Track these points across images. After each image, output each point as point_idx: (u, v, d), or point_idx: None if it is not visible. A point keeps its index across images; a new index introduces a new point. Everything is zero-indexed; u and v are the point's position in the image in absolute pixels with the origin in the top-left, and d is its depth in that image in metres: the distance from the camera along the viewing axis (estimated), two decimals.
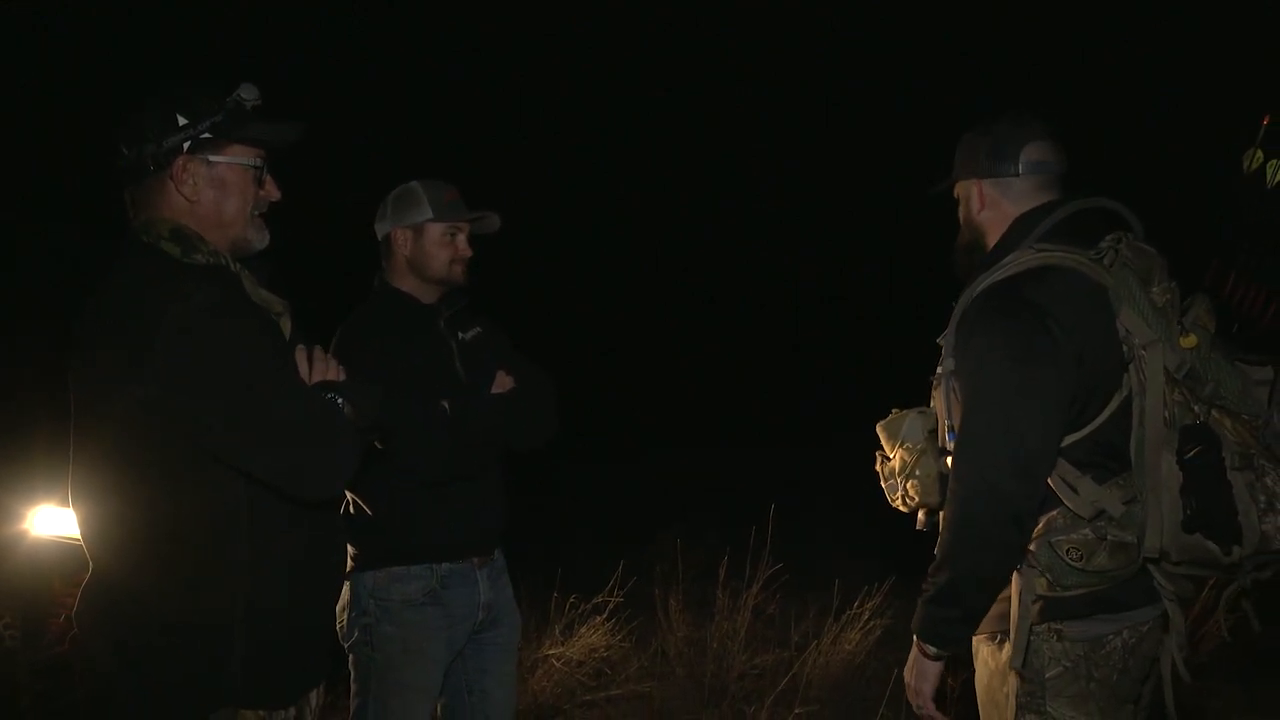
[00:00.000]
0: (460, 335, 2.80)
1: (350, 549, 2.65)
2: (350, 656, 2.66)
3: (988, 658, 2.09)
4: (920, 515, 2.20)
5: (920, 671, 2.05)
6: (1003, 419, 1.90)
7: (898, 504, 2.20)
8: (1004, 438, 1.90)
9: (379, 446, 2.50)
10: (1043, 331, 1.91)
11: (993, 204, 2.12)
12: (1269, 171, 2.14)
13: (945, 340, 2.08)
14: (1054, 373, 1.90)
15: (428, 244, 2.71)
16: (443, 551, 2.66)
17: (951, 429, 2.05)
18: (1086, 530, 1.93)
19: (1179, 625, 2.03)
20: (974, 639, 2.14)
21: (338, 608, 2.65)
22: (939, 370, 2.09)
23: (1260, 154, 2.16)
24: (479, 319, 2.89)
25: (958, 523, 1.94)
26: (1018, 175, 2.10)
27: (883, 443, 2.21)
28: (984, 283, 2.02)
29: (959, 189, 2.20)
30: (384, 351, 2.59)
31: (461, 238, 2.74)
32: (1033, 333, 1.91)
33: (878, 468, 2.25)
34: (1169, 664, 2.05)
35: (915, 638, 2.04)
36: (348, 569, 2.66)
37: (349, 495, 2.66)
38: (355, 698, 2.65)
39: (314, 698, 1.97)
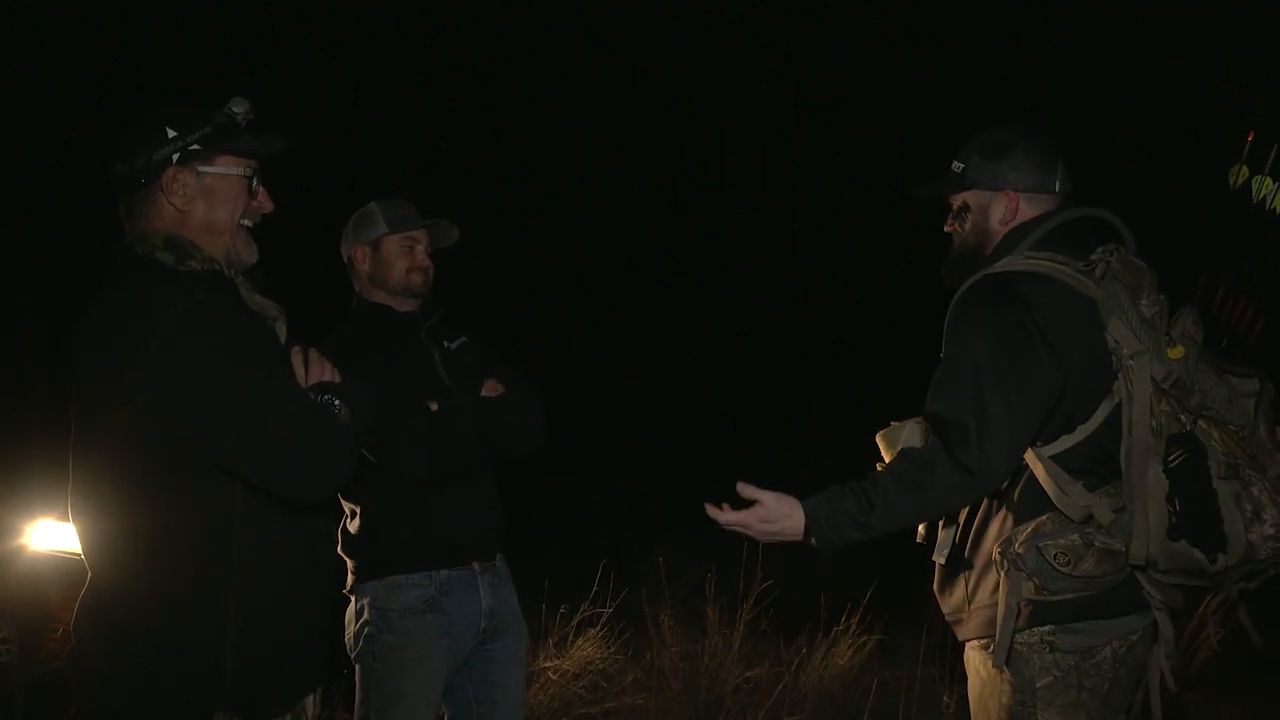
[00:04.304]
0: (445, 345, 2.85)
1: (350, 562, 2.69)
2: (356, 667, 2.69)
3: (979, 666, 2.10)
4: (920, 526, 2.21)
5: (784, 534, 2.03)
6: (974, 391, 1.95)
7: None
8: (975, 409, 1.94)
9: (371, 459, 2.52)
10: (1023, 317, 1.97)
11: (1019, 219, 2.15)
12: (1254, 187, 2.14)
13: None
14: (1031, 357, 1.96)
15: (385, 255, 2.79)
16: (441, 557, 2.67)
17: None
18: (1074, 536, 1.96)
19: (1168, 635, 2.05)
20: (967, 646, 2.15)
21: (345, 620, 2.69)
22: None
23: (1246, 170, 2.16)
24: (464, 331, 2.94)
25: (908, 477, 1.98)
26: (1054, 194, 2.16)
27: (883, 453, 2.22)
28: (971, 280, 2.08)
29: (972, 197, 2.20)
30: (367, 358, 2.62)
31: (420, 248, 2.82)
32: (1013, 317, 1.97)
33: None
34: (1157, 674, 2.08)
35: (809, 534, 2.02)
36: (349, 582, 2.69)
37: (345, 507, 2.68)
38: (359, 707, 2.67)
39: (310, 705, 1.98)
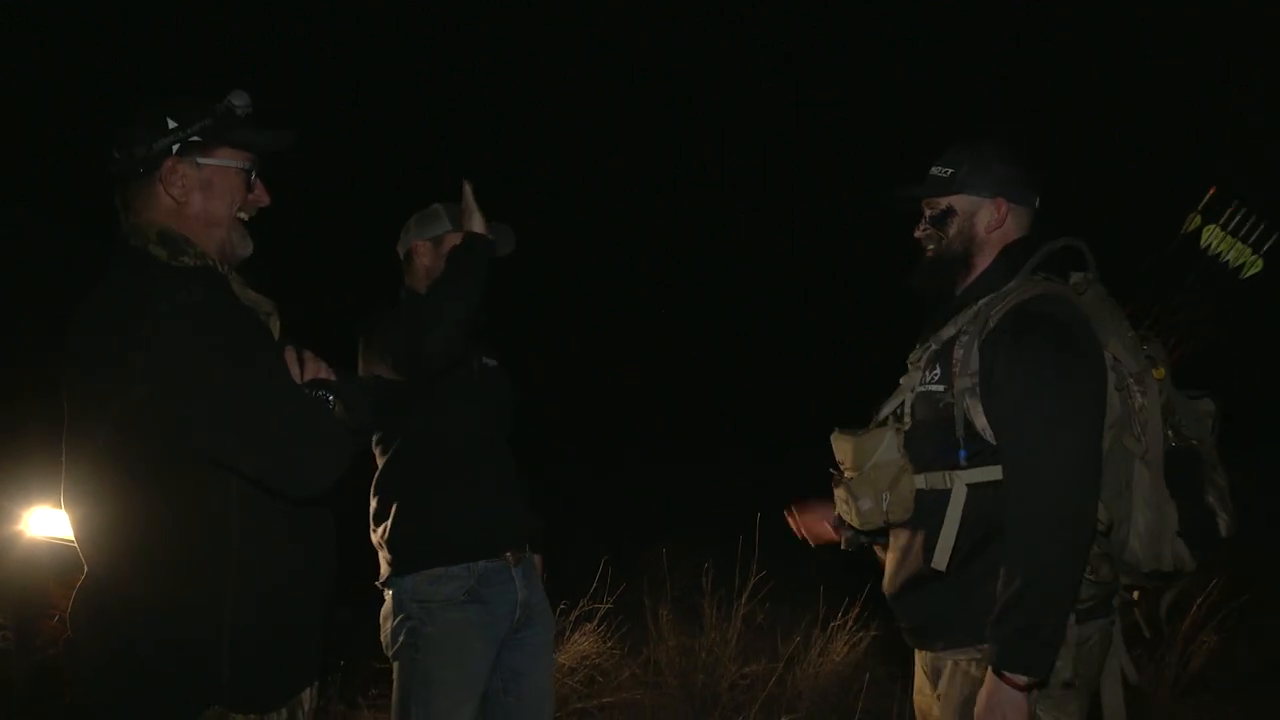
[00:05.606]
0: (484, 360, 2.91)
1: (386, 555, 2.72)
2: (395, 663, 2.70)
3: (970, 669, 2.08)
4: (846, 536, 2.25)
5: (1015, 707, 1.94)
6: (1066, 439, 1.95)
7: (871, 520, 2.17)
8: (1072, 457, 1.94)
9: (405, 451, 2.54)
10: (1080, 349, 1.99)
11: (1004, 227, 2.18)
12: (1204, 235, 2.32)
13: (960, 359, 2.08)
14: (1097, 388, 1.99)
15: (446, 251, 2.81)
16: (478, 548, 2.71)
17: (964, 445, 2.07)
18: (1095, 545, 2.00)
19: (1118, 633, 2.16)
20: (947, 657, 2.13)
21: (380, 617, 2.72)
22: (942, 388, 2.11)
23: (1199, 219, 2.33)
24: (498, 358, 2.98)
25: (1039, 546, 1.93)
26: (1034, 209, 2.21)
27: (847, 459, 2.21)
28: (1000, 305, 2.07)
29: (959, 201, 2.20)
30: None
31: None
32: (1074, 351, 1.99)
33: (836, 485, 2.25)
34: (1117, 667, 2.15)
35: (998, 673, 1.95)
36: (384, 575, 2.72)
37: (378, 501, 2.73)
38: (398, 704, 2.67)
39: (306, 699, 1.98)
